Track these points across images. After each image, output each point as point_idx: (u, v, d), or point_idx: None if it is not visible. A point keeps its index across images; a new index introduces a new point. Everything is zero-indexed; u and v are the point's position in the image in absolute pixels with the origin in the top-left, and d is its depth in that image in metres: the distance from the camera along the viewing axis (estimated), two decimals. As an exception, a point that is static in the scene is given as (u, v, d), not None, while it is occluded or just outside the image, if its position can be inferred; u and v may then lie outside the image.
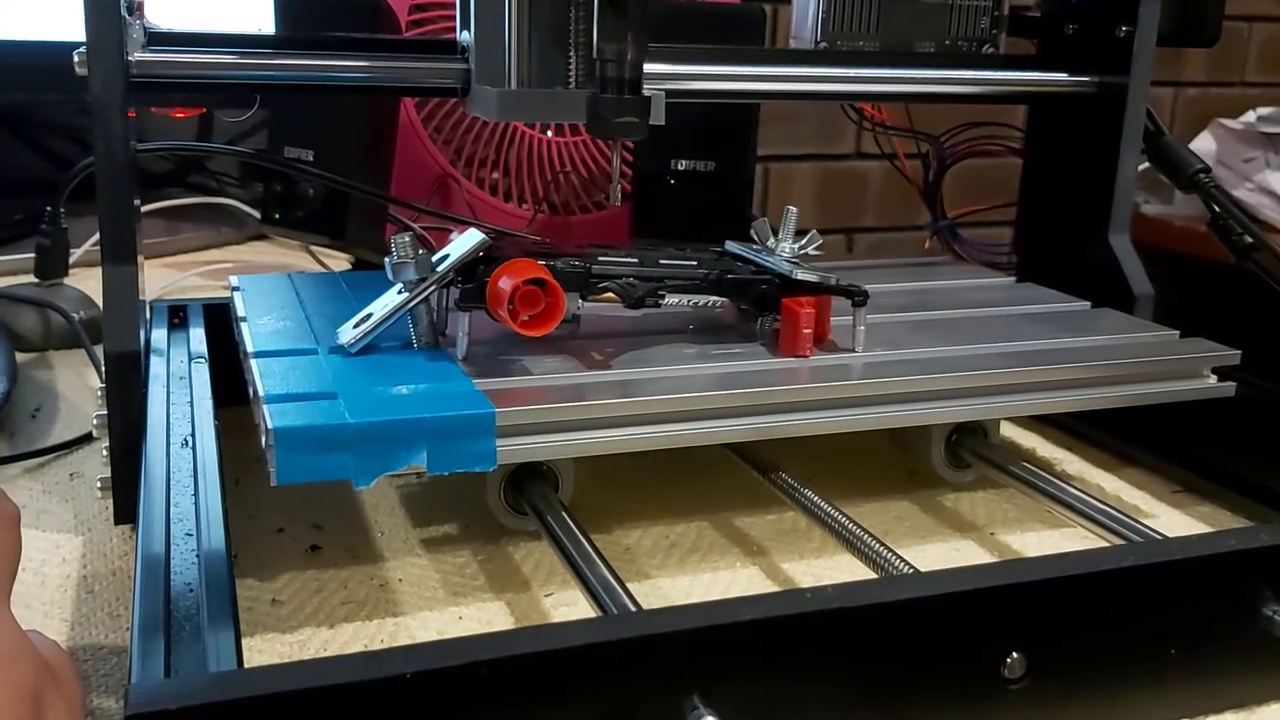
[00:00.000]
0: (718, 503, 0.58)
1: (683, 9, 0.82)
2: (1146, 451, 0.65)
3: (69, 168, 0.81)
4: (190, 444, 0.50)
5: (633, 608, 0.41)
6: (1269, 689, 0.45)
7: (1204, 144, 0.99)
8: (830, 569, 0.53)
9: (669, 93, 0.54)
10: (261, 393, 0.46)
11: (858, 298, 0.55)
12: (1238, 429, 0.60)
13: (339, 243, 0.86)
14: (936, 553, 0.55)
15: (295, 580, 0.50)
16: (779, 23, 1.07)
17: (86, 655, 0.45)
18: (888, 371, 0.53)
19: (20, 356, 0.76)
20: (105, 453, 0.53)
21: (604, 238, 0.86)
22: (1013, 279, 0.74)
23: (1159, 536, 0.48)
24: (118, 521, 0.54)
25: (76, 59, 0.52)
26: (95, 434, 0.54)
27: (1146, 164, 0.73)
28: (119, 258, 0.53)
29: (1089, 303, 0.67)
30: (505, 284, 0.49)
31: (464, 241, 0.52)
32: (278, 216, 0.84)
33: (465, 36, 0.57)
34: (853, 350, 0.55)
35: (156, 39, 0.56)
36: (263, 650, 0.45)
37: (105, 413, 0.53)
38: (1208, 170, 0.72)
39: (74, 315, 0.78)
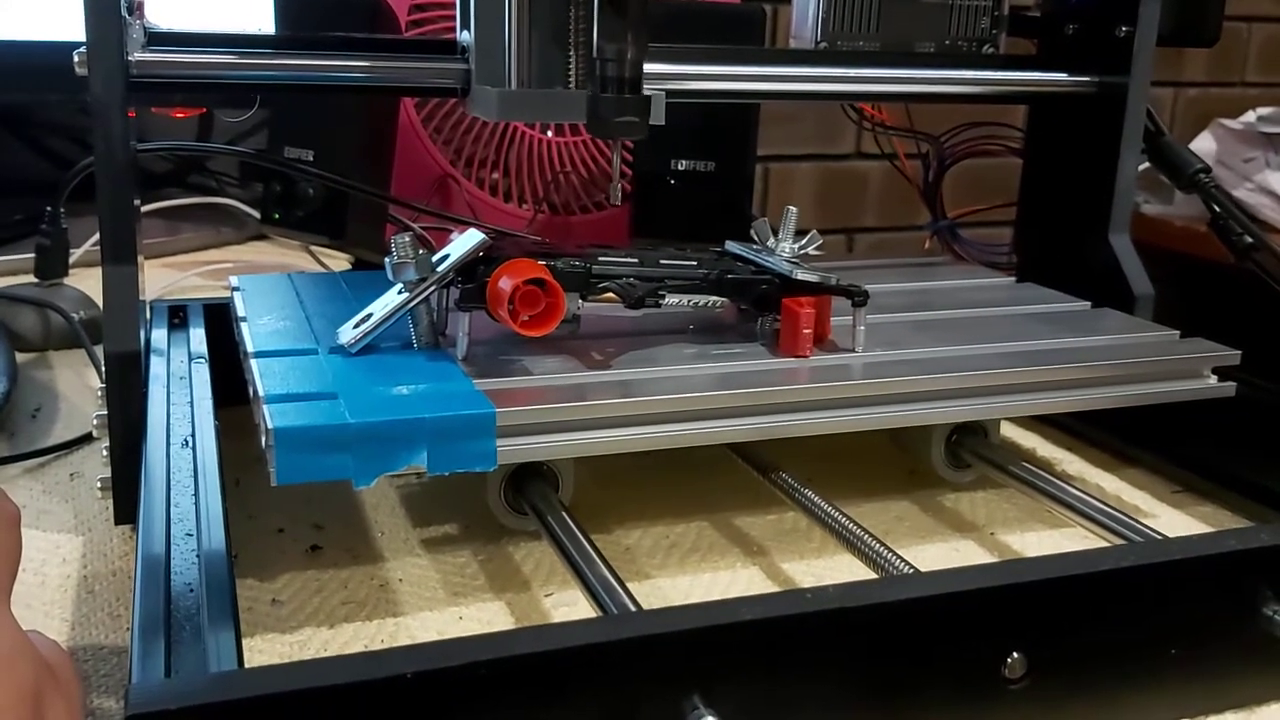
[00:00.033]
0: (718, 503, 0.58)
1: (683, 9, 0.82)
2: (1147, 451, 0.65)
3: (69, 168, 0.81)
4: (190, 444, 0.50)
5: (633, 608, 0.41)
6: (1269, 689, 0.45)
7: (1204, 144, 0.99)
8: (830, 569, 0.53)
9: (669, 93, 0.54)
10: (261, 393, 0.46)
11: (858, 298, 0.55)
12: (1238, 429, 0.60)
13: (339, 243, 0.86)
14: (937, 553, 0.55)
15: (295, 580, 0.50)
16: (779, 23, 1.07)
17: (87, 655, 0.45)
18: (888, 371, 0.53)
19: (20, 356, 0.76)
20: (105, 453, 0.53)
21: (604, 238, 0.86)
22: (1013, 279, 0.74)
23: (1159, 536, 0.48)
24: (118, 522, 0.54)
25: (76, 59, 0.52)
26: (95, 434, 0.54)
27: (1146, 164, 0.73)
28: (119, 258, 0.53)
29: (1089, 303, 0.67)
30: (505, 284, 0.49)
31: (464, 242, 0.52)
32: (278, 216, 0.84)
33: (465, 36, 0.57)
34: (853, 350, 0.55)
35: (156, 39, 0.56)
36: (263, 650, 0.45)
37: (105, 413, 0.53)
38: (1208, 170, 0.72)
39: (74, 315, 0.78)
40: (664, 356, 0.54)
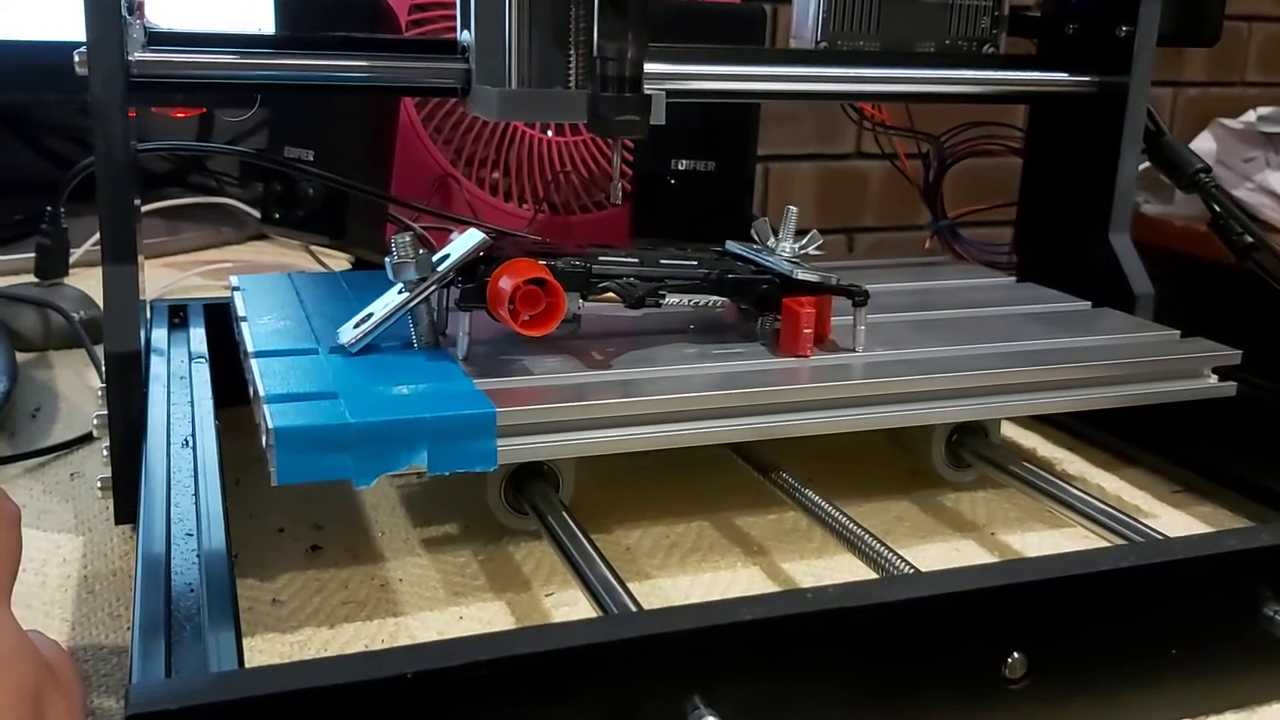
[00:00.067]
0: (718, 503, 0.58)
1: (683, 9, 0.82)
2: (1147, 451, 0.65)
3: (69, 167, 0.81)
4: (191, 444, 0.50)
5: (633, 608, 0.41)
6: (1270, 689, 0.45)
7: (1204, 144, 0.99)
8: (831, 569, 0.53)
9: (669, 92, 0.54)
10: (262, 392, 0.46)
11: (858, 297, 0.55)
12: (1238, 429, 0.60)
13: (339, 242, 0.86)
14: (937, 553, 0.55)
15: (296, 580, 0.50)
16: (779, 22, 1.07)
17: (87, 655, 0.45)
18: (888, 371, 0.53)
19: (20, 356, 0.76)
20: (105, 452, 0.53)
21: (604, 237, 0.86)
22: (1013, 279, 0.74)
23: (1159, 536, 0.48)
24: (118, 521, 0.54)
25: (77, 59, 0.52)
26: (95, 434, 0.54)
27: (1147, 164, 0.73)
28: (119, 257, 0.53)
29: (1089, 302, 0.67)
30: (506, 284, 0.49)
31: (464, 241, 0.52)
32: (278, 216, 0.84)
33: (465, 36, 0.57)
34: (853, 350, 0.55)
35: (157, 39, 0.56)
36: (263, 650, 0.45)
37: (105, 412, 0.53)
38: (1208, 170, 0.72)
39: (74, 315, 0.78)
40: (664, 356, 0.54)
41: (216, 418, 0.52)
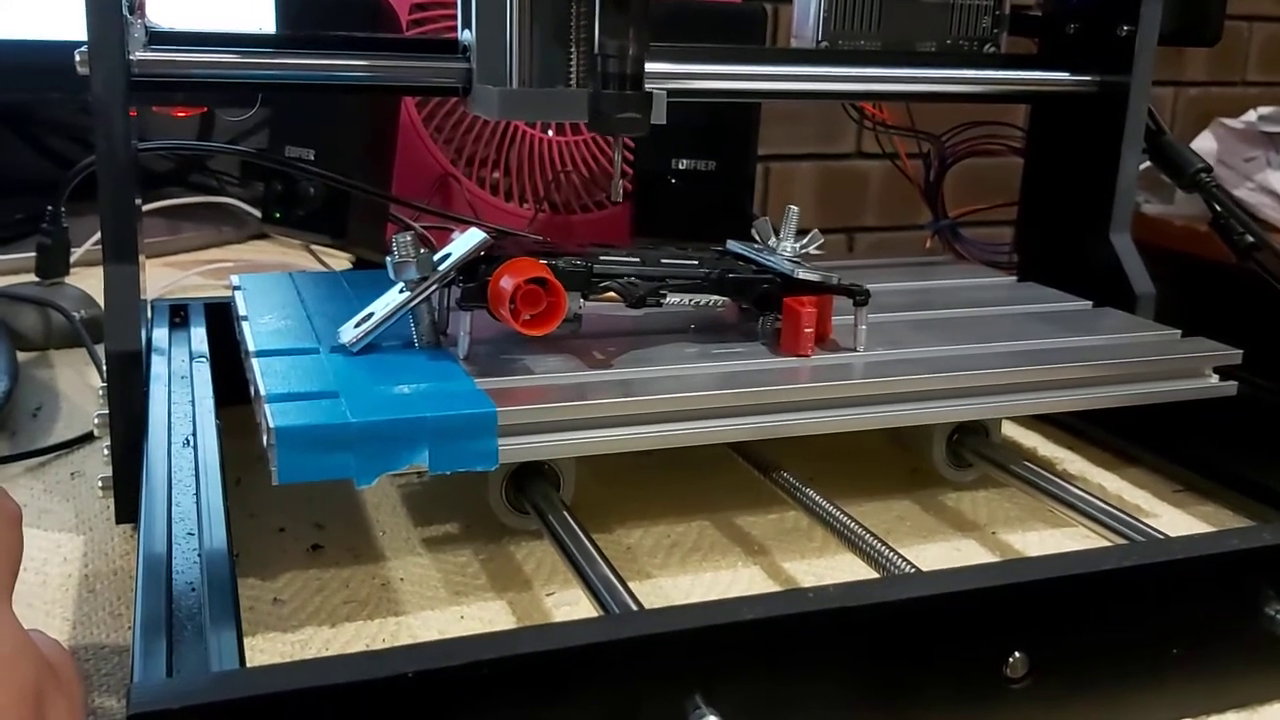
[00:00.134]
0: (719, 502, 0.58)
1: (684, 8, 0.82)
2: (1148, 451, 0.65)
3: (70, 167, 0.81)
4: (192, 443, 0.50)
5: (634, 607, 0.41)
6: (1271, 689, 0.45)
7: (1205, 143, 0.99)
8: (832, 568, 0.53)
9: (670, 92, 0.54)
10: (263, 392, 0.46)
11: (859, 297, 0.55)
12: (1239, 428, 0.60)
13: (340, 242, 0.86)
14: (938, 552, 0.55)
15: (297, 579, 0.50)
16: (780, 22, 1.07)
17: (88, 655, 0.45)
18: (889, 371, 0.53)
19: (21, 355, 0.76)
20: (106, 452, 0.53)
21: (605, 237, 0.86)
22: (1014, 278, 0.74)
23: (1161, 536, 0.48)
24: (119, 521, 0.54)
25: (78, 58, 0.52)
26: (96, 433, 0.54)
27: (1148, 163, 0.73)
28: (120, 257, 0.53)
29: (1090, 302, 0.67)
30: (507, 283, 0.49)
31: (465, 241, 0.52)
32: (279, 216, 0.84)
33: (466, 35, 0.57)
34: (854, 350, 0.55)
35: (158, 38, 0.56)
36: (264, 650, 0.45)
37: (106, 412, 0.53)
38: (1209, 169, 0.72)
39: (75, 314, 0.78)
40: (665, 356, 0.54)
41: (217, 417, 0.52)
